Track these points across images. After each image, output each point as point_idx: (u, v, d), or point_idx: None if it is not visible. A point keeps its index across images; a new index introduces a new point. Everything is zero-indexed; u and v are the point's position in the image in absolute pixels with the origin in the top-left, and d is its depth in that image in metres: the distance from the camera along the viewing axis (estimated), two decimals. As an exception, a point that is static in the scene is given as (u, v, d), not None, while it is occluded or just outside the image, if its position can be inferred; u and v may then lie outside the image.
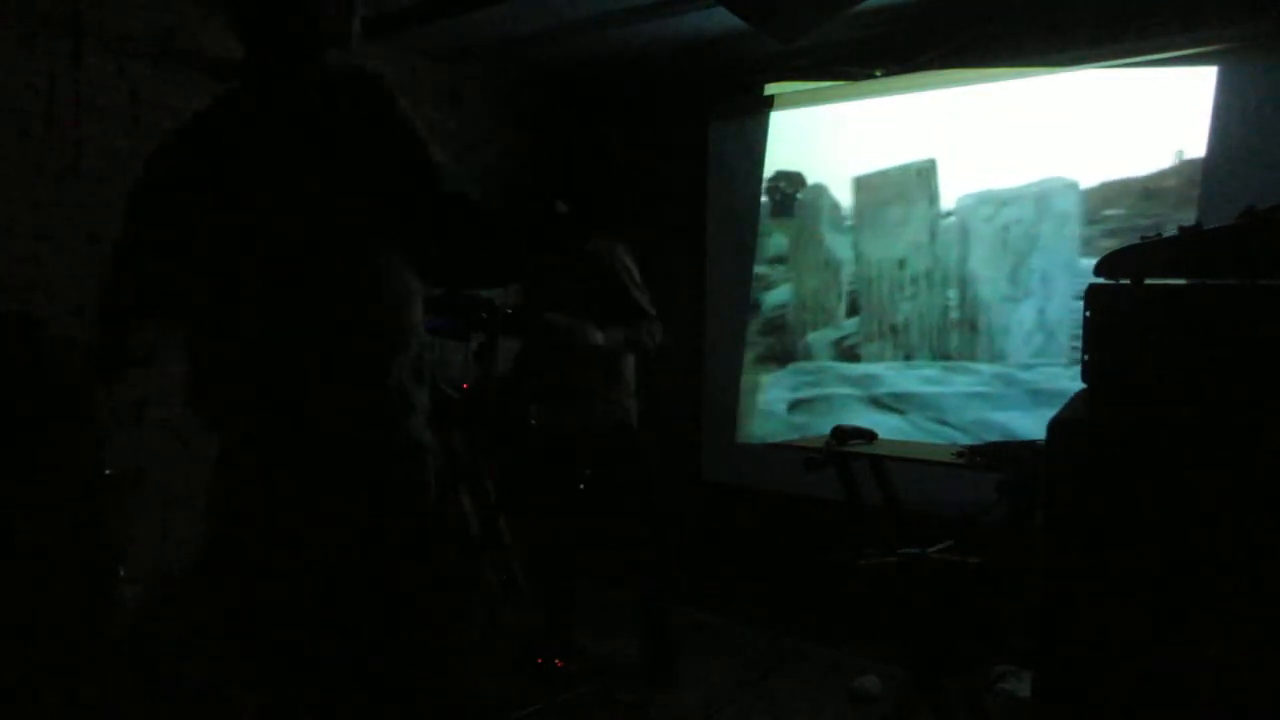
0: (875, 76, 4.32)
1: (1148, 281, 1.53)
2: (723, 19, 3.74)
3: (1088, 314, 1.56)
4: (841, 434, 2.94)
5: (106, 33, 3.61)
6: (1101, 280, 1.56)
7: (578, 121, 5.26)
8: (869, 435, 2.99)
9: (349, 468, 1.45)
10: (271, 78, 1.51)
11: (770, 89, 4.73)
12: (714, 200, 4.97)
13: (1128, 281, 1.54)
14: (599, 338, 3.18)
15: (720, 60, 4.66)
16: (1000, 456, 2.55)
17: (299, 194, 1.42)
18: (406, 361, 1.50)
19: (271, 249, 1.43)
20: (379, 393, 1.46)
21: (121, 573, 3.15)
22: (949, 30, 4.05)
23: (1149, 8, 3.59)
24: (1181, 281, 1.53)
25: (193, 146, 1.53)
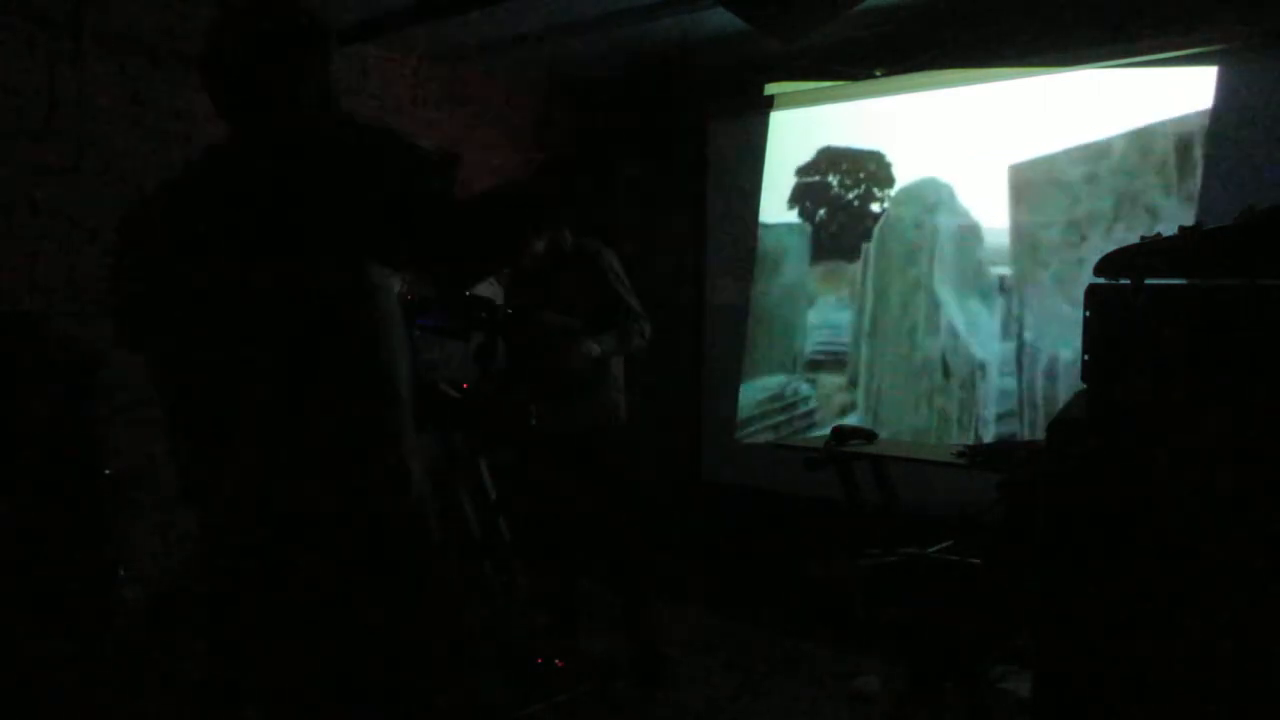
0: (875, 76, 4.32)
1: (1148, 281, 1.53)
2: (723, 19, 3.74)
3: (1087, 314, 1.56)
4: (841, 434, 2.94)
5: (106, 33, 3.61)
6: (1101, 280, 1.56)
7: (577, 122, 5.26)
8: (869, 435, 2.99)
9: (337, 519, 1.44)
10: (249, 142, 1.51)
11: (770, 89, 4.73)
12: (714, 200, 4.97)
13: (1128, 281, 1.54)
14: (595, 349, 3.19)
15: (720, 60, 4.66)
16: (1000, 456, 2.55)
17: (280, 259, 1.41)
18: (399, 416, 1.49)
19: (253, 314, 1.43)
20: (373, 455, 1.47)
21: (121, 573, 3.15)
22: (949, 30, 4.05)
23: (1149, 8, 3.59)
24: (1181, 281, 1.53)
25: (170, 215, 1.52)
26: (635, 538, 3.43)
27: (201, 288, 1.45)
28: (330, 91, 1.56)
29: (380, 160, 1.43)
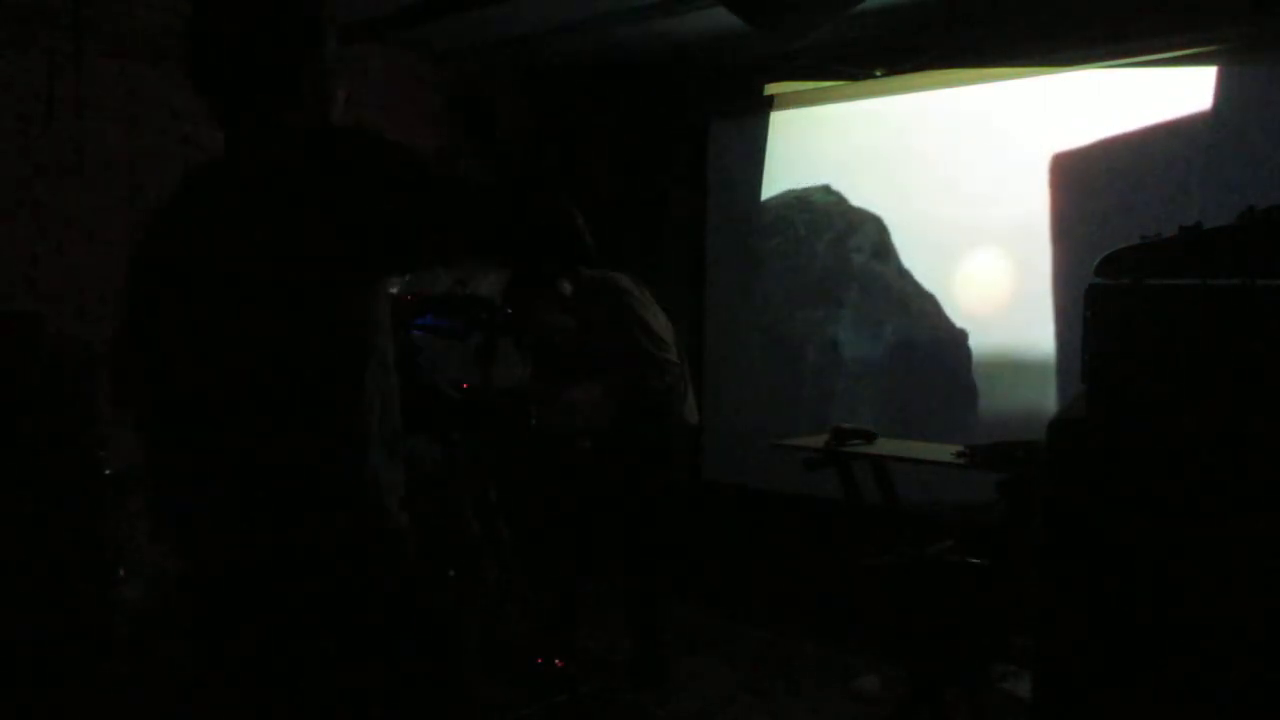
0: (875, 76, 4.32)
1: (1148, 281, 1.53)
2: (723, 19, 3.74)
3: (1088, 314, 1.56)
4: (841, 434, 2.94)
5: (106, 33, 3.61)
6: (1101, 280, 1.56)
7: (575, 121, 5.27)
8: (869, 435, 2.99)
9: (316, 575, 1.34)
10: (240, 148, 1.41)
11: (770, 89, 4.73)
12: (714, 200, 4.97)
13: (1128, 281, 1.54)
14: (593, 395, 3.27)
15: (720, 60, 4.66)
16: (1000, 456, 2.55)
17: (265, 279, 1.30)
18: (380, 446, 1.37)
19: (233, 339, 1.32)
20: (350, 484, 1.35)
21: (121, 573, 3.15)
22: (949, 30, 4.05)
23: (1149, 8, 3.59)
24: (1181, 281, 1.53)
25: (164, 232, 1.42)
26: (647, 540, 3.44)
27: (182, 315, 1.35)
28: (327, 88, 1.46)
29: (385, 159, 1.32)
